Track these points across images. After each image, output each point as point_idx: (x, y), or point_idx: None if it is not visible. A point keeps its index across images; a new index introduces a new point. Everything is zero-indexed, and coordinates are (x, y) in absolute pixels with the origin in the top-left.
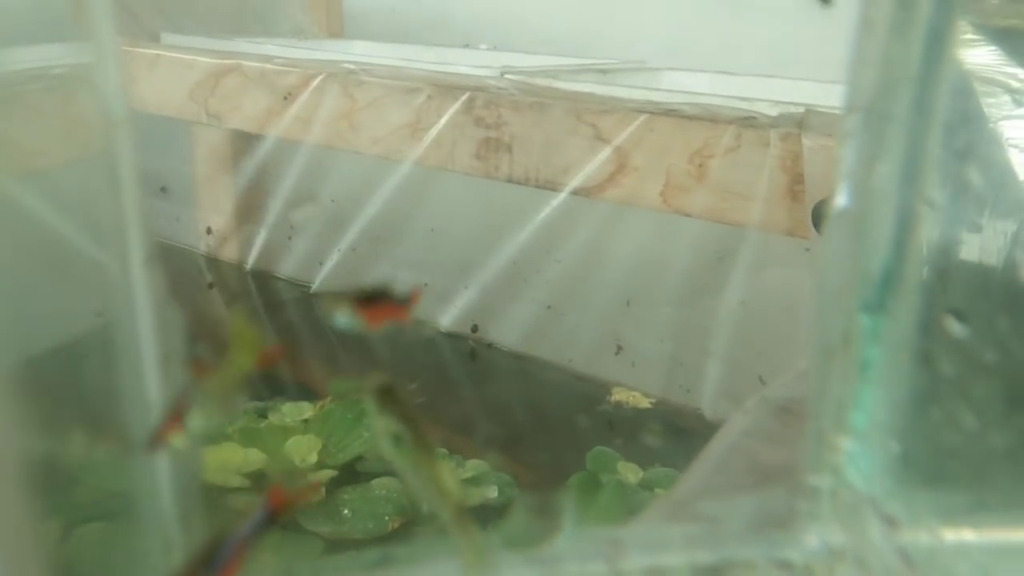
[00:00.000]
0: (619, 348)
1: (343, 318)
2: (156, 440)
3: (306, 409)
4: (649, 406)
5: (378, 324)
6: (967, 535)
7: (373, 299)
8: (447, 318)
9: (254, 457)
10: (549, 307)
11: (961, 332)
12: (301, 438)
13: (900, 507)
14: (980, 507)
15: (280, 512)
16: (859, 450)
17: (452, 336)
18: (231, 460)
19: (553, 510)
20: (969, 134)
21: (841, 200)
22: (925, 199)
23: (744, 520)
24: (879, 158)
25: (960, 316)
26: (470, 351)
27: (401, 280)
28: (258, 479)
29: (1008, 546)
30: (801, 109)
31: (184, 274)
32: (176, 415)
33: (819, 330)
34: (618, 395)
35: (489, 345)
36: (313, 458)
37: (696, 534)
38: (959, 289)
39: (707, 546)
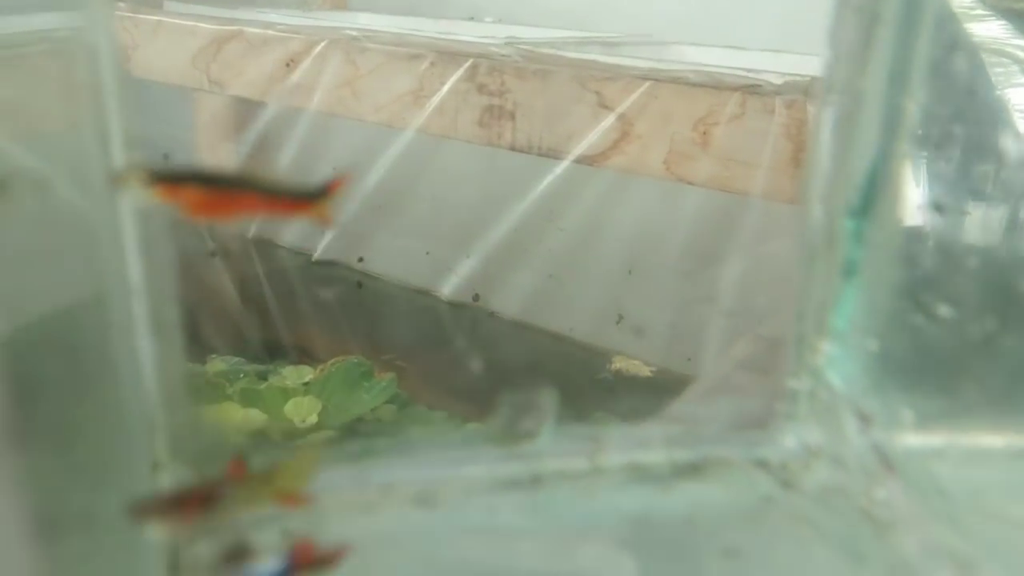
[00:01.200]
0: (620, 317)
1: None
2: (175, 516)
3: (307, 372)
4: (650, 375)
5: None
6: (942, 437)
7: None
8: (449, 287)
9: (254, 417)
10: (551, 276)
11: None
12: (301, 400)
13: (877, 407)
14: (956, 410)
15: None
16: (839, 352)
17: (454, 305)
18: (231, 418)
19: (536, 408)
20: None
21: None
22: (913, 97)
23: (723, 421)
24: (868, 59)
25: (940, 208)
26: (471, 320)
27: (404, 248)
28: (258, 438)
29: (980, 449)
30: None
31: (186, 242)
32: (195, 501)
33: (804, 234)
34: (619, 363)
35: (491, 314)
36: (313, 419)
37: (675, 434)
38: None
39: (686, 445)
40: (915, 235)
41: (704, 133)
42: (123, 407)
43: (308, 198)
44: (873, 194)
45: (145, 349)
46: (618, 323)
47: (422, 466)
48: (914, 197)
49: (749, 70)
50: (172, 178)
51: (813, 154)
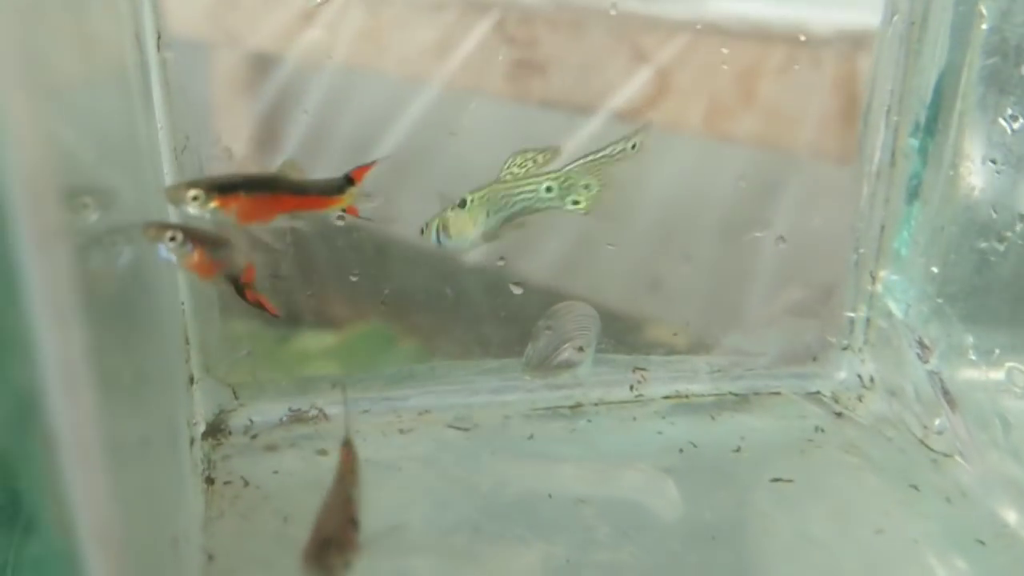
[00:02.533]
0: (655, 284)
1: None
2: None
3: (327, 337)
4: (685, 344)
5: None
6: (1006, 368)
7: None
8: (474, 250)
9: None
10: (581, 240)
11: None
12: (323, 364)
13: (938, 336)
14: (1021, 341)
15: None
16: (899, 278)
17: (478, 269)
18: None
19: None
20: None
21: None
22: (985, 1)
23: (772, 355)
24: None
25: (1012, 118)
26: (496, 285)
27: (428, 210)
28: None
29: None
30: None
31: None
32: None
33: (865, 152)
34: (653, 332)
35: (517, 281)
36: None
37: (722, 364)
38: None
39: (733, 376)
40: (984, 151)
41: (747, 87)
42: (161, 324)
43: (337, 190)
44: (940, 110)
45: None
46: (652, 290)
47: (459, 392)
48: (985, 111)
49: (797, 21)
50: (223, 189)
51: (877, 66)
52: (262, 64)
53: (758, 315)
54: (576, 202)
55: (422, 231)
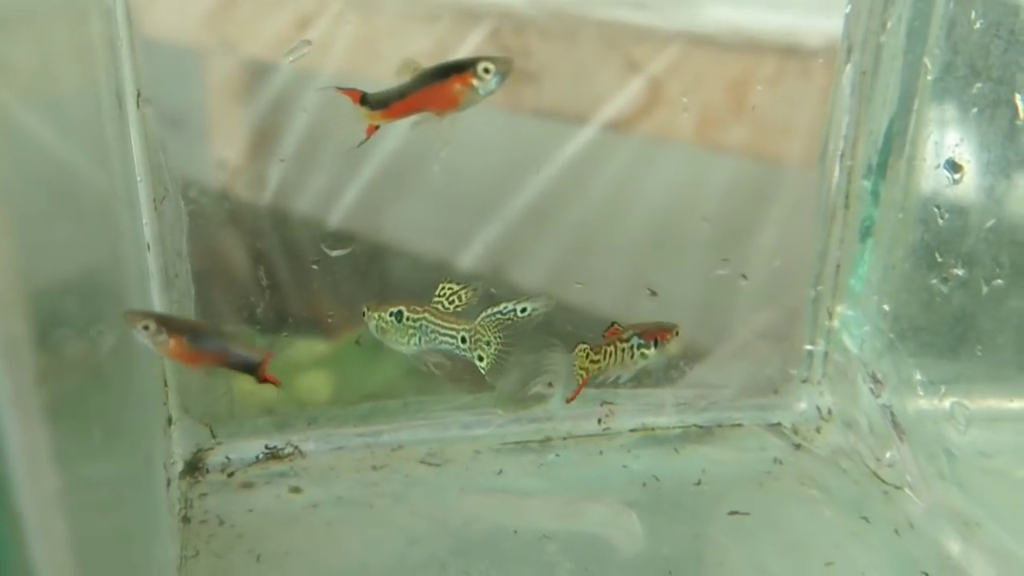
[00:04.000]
0: (647, 291)
1: None
2: None
3: (319, 346)
4: (676, 351)
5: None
6: (952, 400)
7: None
8: (467, 258)
9: (263, 390)
10: (574, 248)
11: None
12: (315, 374)
13: (889, 370)
14: (966, 373)
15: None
16: (853, 314)
17: (473, 277)
18: (242, 390)
19: (546, 372)
20: None
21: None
22: (930, 53)
23: (736, 386)
24: (888, 13)
25: (955, 168)
26: (490, 293)
27: (421, 218)
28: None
29: (989, 412)
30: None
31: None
32: None
33: (821, 194)
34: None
35: (511, 287)
36: (326, 394)
37: (687, 398)
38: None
39: (697, 409)
40: (930, 195)
41: (738, 97)
42: (139, 371)
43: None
44: (890, 155)
45: (157, 304)
46: (644, 297)
47: (431, 427)
48: (931, 157)
49: (786, 31)
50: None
51: (832, 113)
52: (256, 72)
53: (723, 347)
54: (480, 358)
55: (363, 312)
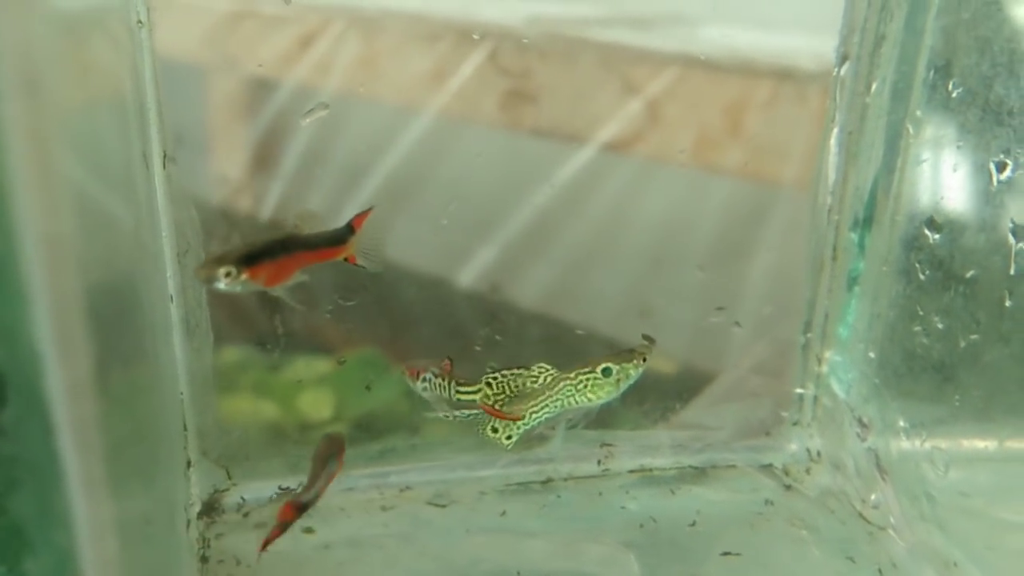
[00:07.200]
0: (644, 311)
1: None
2: None
3: (321, 364)
4: (672, 371)
5: None
6: (933, 442)
7: None
8: (466, 276)
9: (264, 409)
10: (572, 267)
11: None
12: (316, 392)
13: (875, 414)
14: (946, 416)
15: None
16: (841, 360)
17: (471, 296)
18: (241, 410)
19: None
20: None
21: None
22: (912, 117)
23: (730, 428)
24: (873, 76)
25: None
26: (489, 311)
27: (421, 236)
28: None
29: (969, 453)
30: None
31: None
32: None
33: (810, 246)
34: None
35: (509, 305)
36: (327, 413)
37: (683, 439)
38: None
39: (693, 450)
40: (912, 251)
41: (734, 120)
42: (164, 412)
43: (342, 240)
44: (875, 210)
45: (179, 352)
46: (641, 317)
47: (438, 469)
48: (913, 215)
49: (783, 54)
50: (249, 261)
51: (820, 168)
52: (259, 90)
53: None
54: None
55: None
